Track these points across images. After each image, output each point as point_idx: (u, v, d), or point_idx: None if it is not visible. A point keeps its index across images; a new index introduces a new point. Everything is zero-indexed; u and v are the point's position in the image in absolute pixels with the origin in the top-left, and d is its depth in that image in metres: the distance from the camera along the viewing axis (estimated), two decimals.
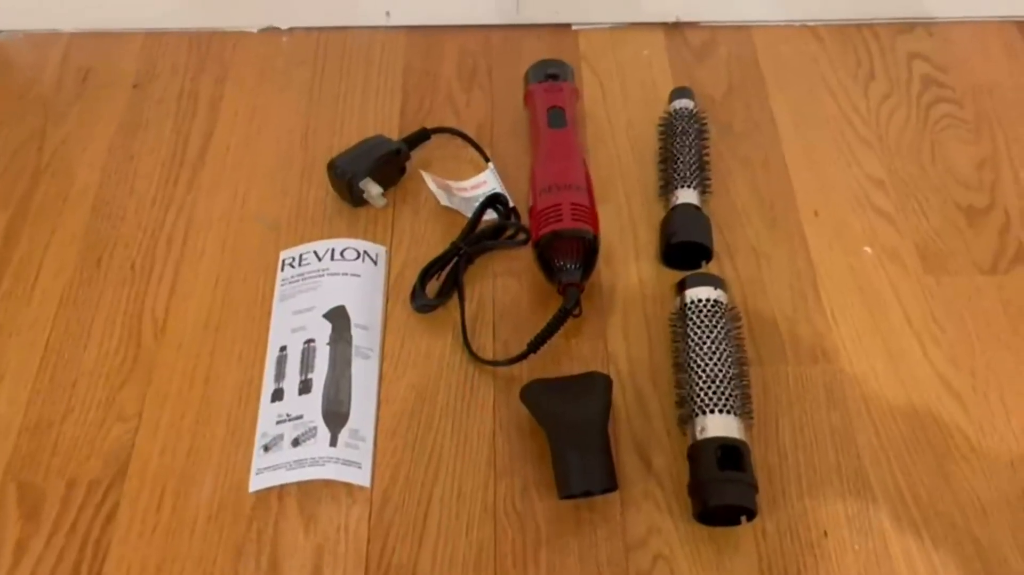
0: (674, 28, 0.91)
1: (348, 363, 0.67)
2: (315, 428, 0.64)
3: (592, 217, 0.71)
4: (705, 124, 0.79)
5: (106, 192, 0.80)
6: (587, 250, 0.70)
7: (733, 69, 0.88)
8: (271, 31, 0.93)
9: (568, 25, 0.92)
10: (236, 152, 0.82)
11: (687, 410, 0.63)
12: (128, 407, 0.67)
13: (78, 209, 0.78)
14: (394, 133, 0.82)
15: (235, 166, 0.81)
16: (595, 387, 0.64)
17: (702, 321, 0.65)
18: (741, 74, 0.87)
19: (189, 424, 0.66)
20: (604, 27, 0.92)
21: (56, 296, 0.73)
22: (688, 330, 0.65)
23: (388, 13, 0.92)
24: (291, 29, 0.93)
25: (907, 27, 0.92)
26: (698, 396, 0.62)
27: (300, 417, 0.65)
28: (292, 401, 0.66)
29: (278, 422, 0.65)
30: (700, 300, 0.66)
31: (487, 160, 0.80)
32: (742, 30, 0.91)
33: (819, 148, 0.81)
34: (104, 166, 0.81)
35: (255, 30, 0.92)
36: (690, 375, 0.63)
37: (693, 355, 0.64)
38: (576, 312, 0.68)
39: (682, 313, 0.67)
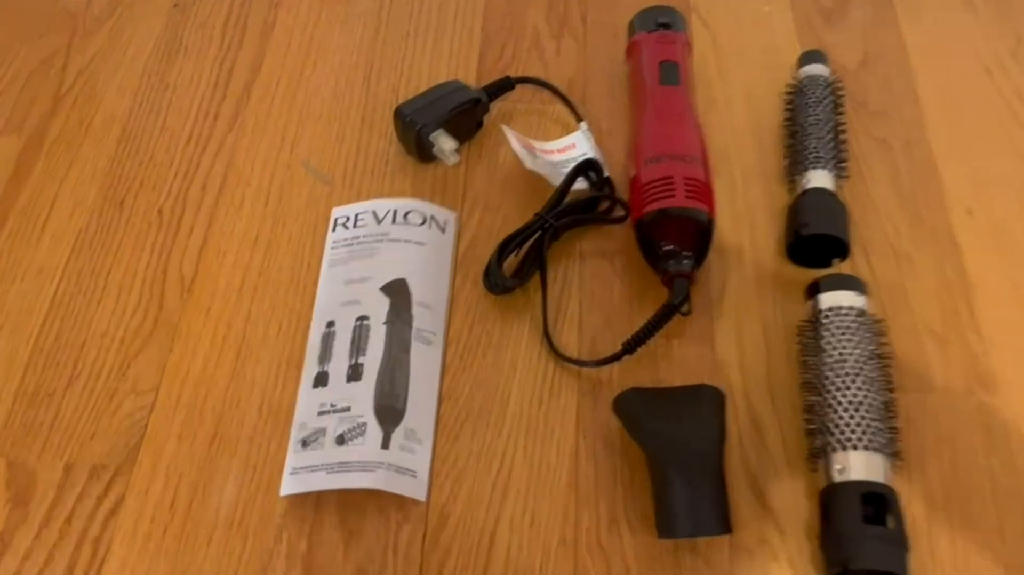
0: None
1: (407, 348, 0.56)
2: (365, 425, 0.53)
3: (709, 195, 0.59)
4: (842, 95, 0.67)
5: (135, 124, 0.69)
6: (701, 235, 0.58)
7: (869, 36, 0.75)
8: None
9: None
10: (287, 89, 0.71)
11: (821, 442, 0.51)
12: (144, 379, 0.57)
13: (102, 142, 0.68)
14: (471, 80, 0.71)
15: (285, 105, 0.70)
16: (707, 404, 0.52)
17: (843, 334, 0.53)
18: (879, 43, 0.74)
19: (215, 405, 0.55)
20: None
21: (69, 240, 0.62)
22: (824, 344, 0.54)
23: None
24: None
25: None
26: (837, 427, 0.50)
27: (347, 409, 0.54)
28: (339, 388, 0.55)
29: (321, 413, 0.54)
30: (841, 308, 0.54)
31: (579, 120, 0.68)
32: None
33: (973, 136, 0.69)
34: (135, 94, 0.70)
35: None
36: (827, 400, 0.52)
37: (831, 375, 0.52)
38: (685, 310, 0.57)
39: (817, 322, 0.55)
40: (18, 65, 0.72)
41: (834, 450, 0.50)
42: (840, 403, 0.51)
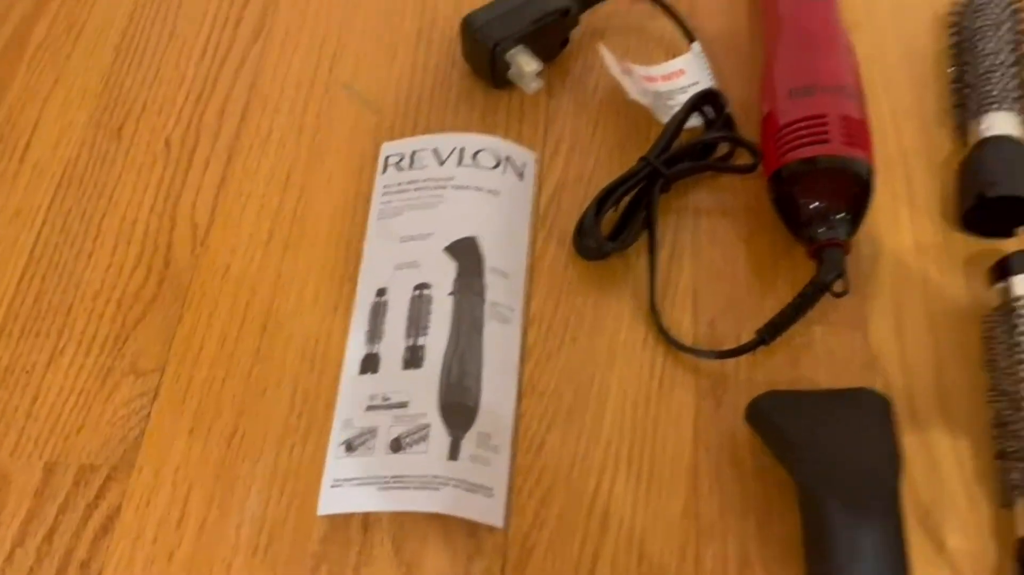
0: None
1: (479, 328, 0.44)
2: (427, 427, 0.41)
3: (868, 140, 0.46)
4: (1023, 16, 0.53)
5: (136, 30, 0.55)
6: (861, 191, 0.45)
7: None
8: None
9: None
10: None
11: (1019, 476, 0.39)
12: (145, 357, 0.45)
13: (95, 51, 0.55)
14: None
15: (323, 10, 0.56)
16: (872, 414, 0.40)
17: None
18: None
19: (235, 393, 0.44)
20: None
21: (54, 176, 0.50)
22: (1021, 343, 0.41)
23: None
24: None
25: None
26: None
27: (404, 405, 0.42)
28: (393, 377, 0.43)
29: (370, 407, 0.42)
30: None
31: (691, 40, 0.55)
32: None
33: None
34: None
35: None
36: None
37: None
38: (839, 289, 0.44)
39: (1010, 313, 0.42)
40: None
41: None
42: None
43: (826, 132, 0.45)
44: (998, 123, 0.49)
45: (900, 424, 0.43)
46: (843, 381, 0.44)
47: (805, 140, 0.45)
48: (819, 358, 0.45)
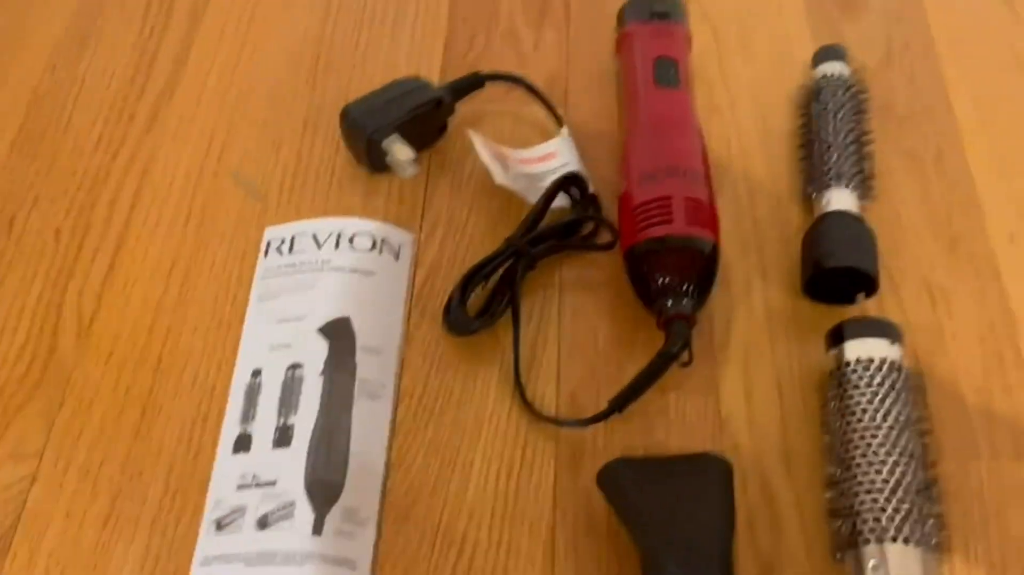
0: None
1: (349, 405, 0.46)
2: (292, 504, 0.43)
3: (713, 219, 0.50)
4: (864, 98, 0.57)
5: (34, 122, 0.58)
6: (705, 267, 0.49)
7: (893, 29, 0.65)
8: None
9: None
10: (218, 82, 0.60)
11: (848, 529, 0.42)
12: (27, 441, 0.46)
13: None
14: (434, 76, 0.61)
15: (215, 102, 0.59)
16: (712, 478, 0.43)
17: (874, 394, 0.44)
18: (904, 36, 0.65)
19: (112, 475, 0.45)
20: None
21: None
22: (852, 405, 0.44)
23: None
24: None
25: None
26: (871, 512, 0.41)
27: (273, 483, 0.44)
28: (263, 456, 0.45)
29: (240, 486, 0.44)
30: (871, 361, 0.45)
31: (560, 124, 0.58)
32: None
33: (1013, 144, 0.59)
34: (36, 86, 0.60)
35: None
36: (855, 476, 0.42)
37: (861, 446, 0.43)
38: (685, 359, 0.47)
39: (841, 377, 0.46)
40: None
41: (866, 541, 0.41)
42: (874, 482, 0.42)
43: (671, 213, 0.49)
44: (836, 199, 0.53)
45: (746, 484, 0.46)
46: (695, 445, 0.47)
47: (653, 220, 0.49)
48: (672, 424, 0.48)
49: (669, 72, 0.55)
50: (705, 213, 0.49)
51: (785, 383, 0.49)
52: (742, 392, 0.49)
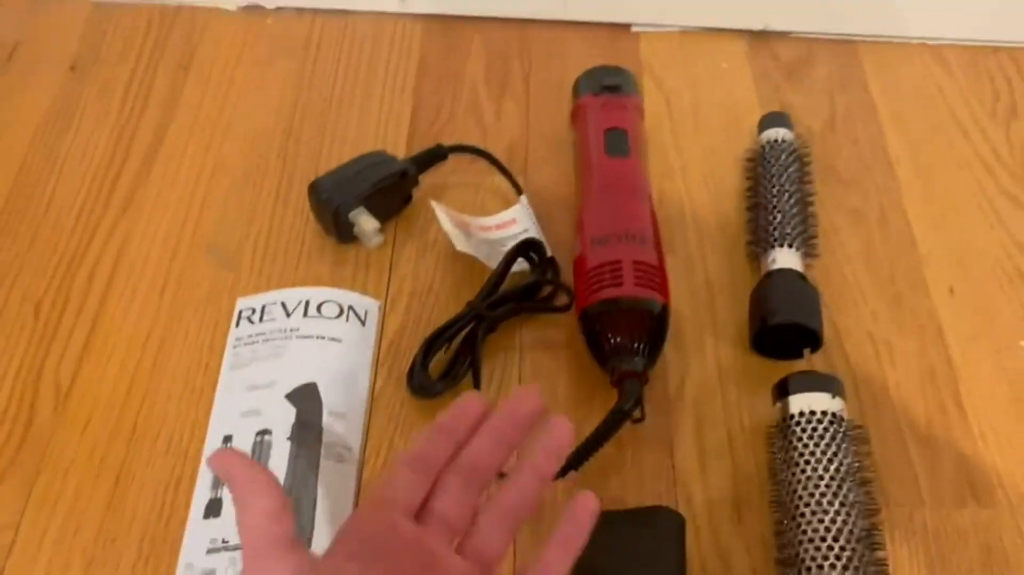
0: (761, 37, 0.73)
1: (315, 469, 0.48)
2: None
3: (662, 281, 0.52)
4: (808, 161, 0.61)
5: (16, 202, 0.61)
6: (655, 327, 0.51)
7: (836, 95, 0.69)
8: (254, 9, 0.74)
9: (627, 26, 0.73)
10: (192, 161, 0.63)
11: None
12: (4, 511, 0.48)
13: None
14: (400, 149, 0.64)
15: (190, 180, 0.62)
16: (664, 532, 0.45)
17: (816, 446, 0.46)
18: (846, 102, 0.69)
19: (85, 544, 0.47)
20: (673, 30, 0.73)
21: None
22: (796, 457, 0.46)
23: None
24: (279, 9, 0.74)
25: None
26: (815, 561, 0.43)
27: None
28: (233, 520, 0.46)
29: (211, 550, 0.46)
30: (813, 414, 0.47)
31: (519, 192, 0.61)
32: (846, 45, 0.72)
33: (951, 203, 0.63)
34: (19, 168, 0.63)
35: (233, 7, 0.73)
36: (799, 525, 0.44)
37: (804, 496, 0.45)
38: (637, 416, 0.49)
39: (786, 430, 0.48)
40: None
41: None
42: (817, 531, 0.44)
43: (621, 276, 0.51)
44: (781, 258, 0.56)
45: (699, 535, 0.48)
46: (650, 499, 0.49)
47: (605, 283, 0.51)
48: (628, 479, 0.50)
49: (619, 142, 0.58)
50: (654, 275, 0.52)
51: (736, 435, 0.51)
52: (695, 445, 0.51)
